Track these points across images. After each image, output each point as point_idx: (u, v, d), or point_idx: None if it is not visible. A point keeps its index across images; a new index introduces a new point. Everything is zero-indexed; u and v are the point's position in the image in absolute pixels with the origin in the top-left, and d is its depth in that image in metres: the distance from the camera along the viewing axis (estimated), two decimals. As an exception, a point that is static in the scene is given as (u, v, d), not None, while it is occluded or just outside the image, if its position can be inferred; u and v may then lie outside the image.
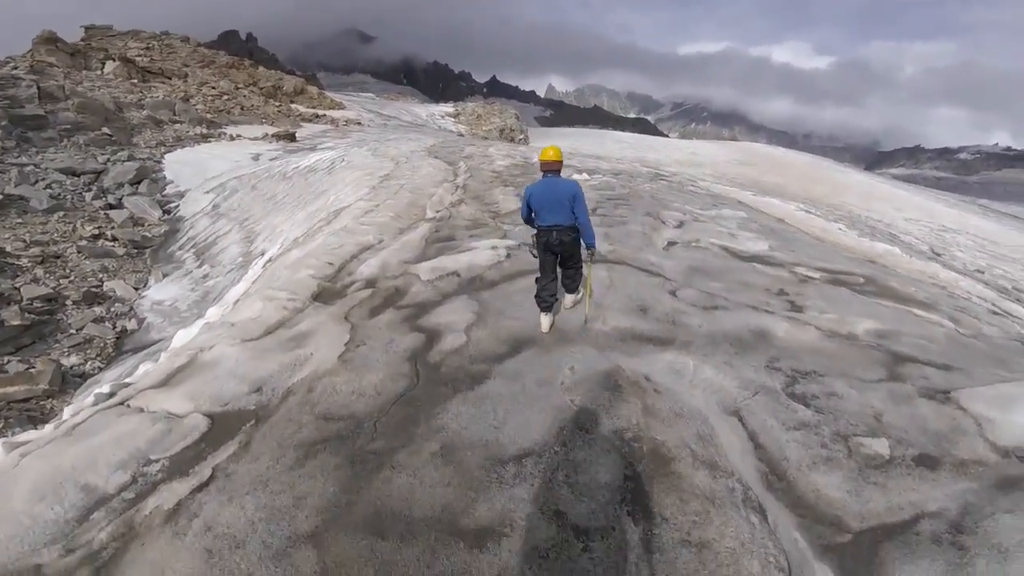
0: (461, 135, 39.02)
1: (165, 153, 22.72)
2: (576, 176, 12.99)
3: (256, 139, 28.03)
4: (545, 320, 4.40)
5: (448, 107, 54.58)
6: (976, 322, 5.62)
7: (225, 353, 4.33)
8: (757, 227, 9.42)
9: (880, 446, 3.06)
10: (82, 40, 37.68)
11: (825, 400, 3.49)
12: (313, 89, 48.12)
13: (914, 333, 4.62)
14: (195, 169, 21.06)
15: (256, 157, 22.91)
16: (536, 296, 4.42)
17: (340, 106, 46.59)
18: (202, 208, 16.84)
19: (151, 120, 26.46)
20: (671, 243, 7.29)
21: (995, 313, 7.45)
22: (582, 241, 4.31)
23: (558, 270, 4.48)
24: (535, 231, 4.34)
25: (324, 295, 5.74)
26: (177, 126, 27.16)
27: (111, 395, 4.02)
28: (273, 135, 28.32)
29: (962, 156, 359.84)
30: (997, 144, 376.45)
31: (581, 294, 4.69)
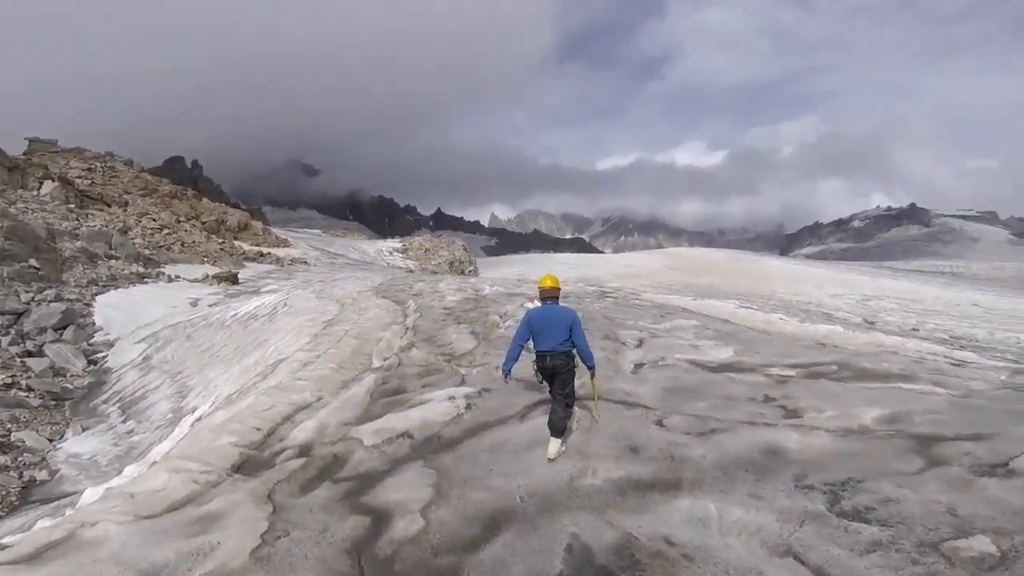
0: (411, 271, 39.67)
1: (96, 294, 21.40)
2: (528, 304, 13.08)
3: (196, 281, 27.13)
4: (553, 446, 4.40)
5: (395, 242, 56.22)
6: (959, 381, 5.77)
7: (111, 532, 3.61)
8: (713, 333, 9.67)
9: (982, 544, 2.68)
10: (24, 154, 36.09)
11: (884, 509, 3.11)
12: (258, 225, 48.03)
13: (919, 409, 4.51)
14: (128, 315, 19.91)
15: (195, 302, 22.00)
16: (549, 422, 4.56)
17: (285, 243, 46.70)
18: (132, 359, 15.66)
19: (85, 253, 25.02)
20: (638, 365, 7.23)
21: (955, 365, 7.73)
22: (582, 364, 4.60)
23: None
24: (536, 356, 4.57)
25: (247, 466, 5.08)
26: (112, 262, 25.84)
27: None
28: (214, 276, 27.49)
29: (855, 224, 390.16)
30: (878, 206, 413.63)
31: (563, 445, 4.50)
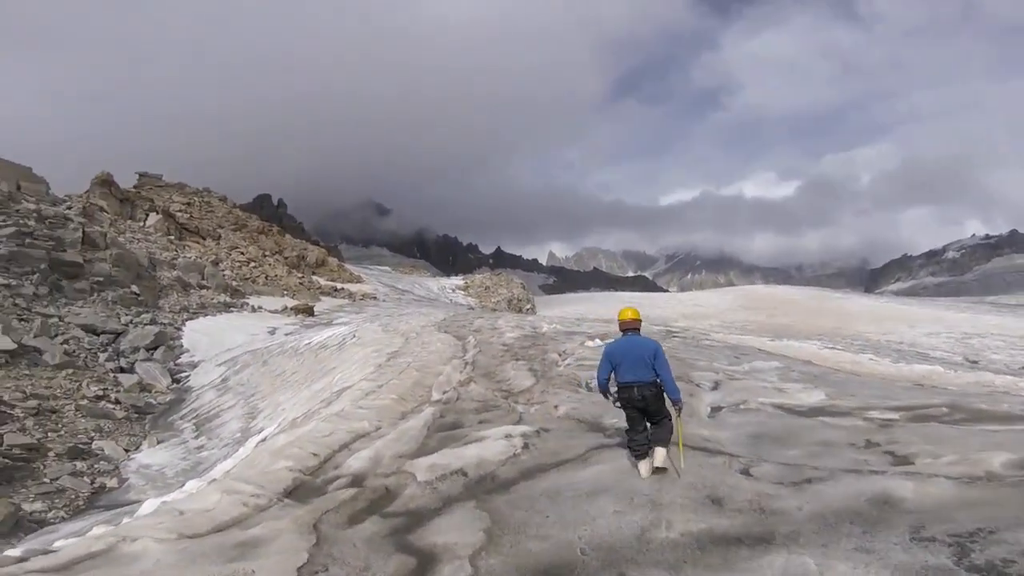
0: (471, 308, 40.19)
1: (187, 320, 22.93)
2: (589, 343, 12.76)
3: (276, 312, 28.68)
4: (644, 466, 4.39)
5: (458, 280, 57.64)
6: None
7: (149, 549, 3.62)
8: (798, 375, 8.94)
9: None
10: (134, 187, 39.61)
11: (1024, 562, 2.55)
12: (334, 261, 50.55)
13: None
14: (212, 340, 21.39)
15: (273, 331, 23.29)
16: (628, 446, 4.60)
17: (358, 279, 48.80)
18: (211, 380, 16.72)
19: (179, 282, 27.09)
20: (715, 408, 6.69)
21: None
22: (667, 397, 4.42)
23: (646, 424, 4.50)
24: (615, 389, 4.51)
25: (299, 491, 5.05)
26: (203, 292, 27.72)
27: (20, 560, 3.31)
28: (292, 308, 29.08)
29: (949, 255, 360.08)
30: (974, 235, 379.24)
31: (669, 450, 4.45)
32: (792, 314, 41.01)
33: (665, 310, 44.76)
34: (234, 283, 31.63)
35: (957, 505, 3.37)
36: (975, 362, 20.82)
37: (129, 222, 33.63)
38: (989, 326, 35.61)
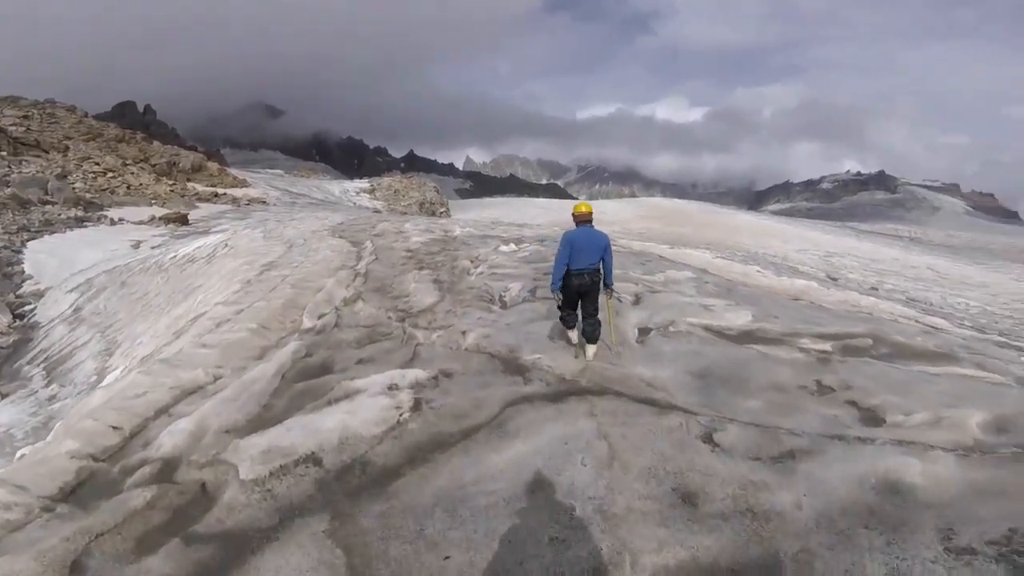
0: (378, 211, 36.87)
1: (28, 240, 19.14)
2: (504, 247, 11.15)
3: (141, 223, 24.43)
4: (574, 333, 4.81)
5: (363, 183, 52.53)
6: (998, 363, 5.09)
7: None
8: (714, 288, 8.11)
9: None
10: None
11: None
12: (213, 165, 44.34)
13: (1006, 409, 3.56)
14: (62, 261, 17.65)
15: (136, 244, 19.43)
16: (562, 322, 4.83)
17: (244, 184, 43.08)
18: (62, 311, 13.46)
19: (15, 200, 22.28)
20: (643, 330, 5.49)
21: (928, 332, 7.13)
22: (603, 283, 4.72)
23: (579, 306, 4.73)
24: (566, 273, 4.58)
25: (84, 491, 3.26)
26: (47, 208, 23.32)
27: None
28: (161, 218, 24.73)
29: (824, 186, 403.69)
30: (849, 171, 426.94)
31: (604, 331, 4.75)
32: (686, 225, 43.83)
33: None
34: (88, 196, 26.51)
35: (972, 495, 2.72)
36: (835, 279, 22.74)
37: (-61, 144, 26.72)
38: (847, 248, 40.37)
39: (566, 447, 3.09)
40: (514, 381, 4.07)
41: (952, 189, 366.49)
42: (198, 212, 28.69)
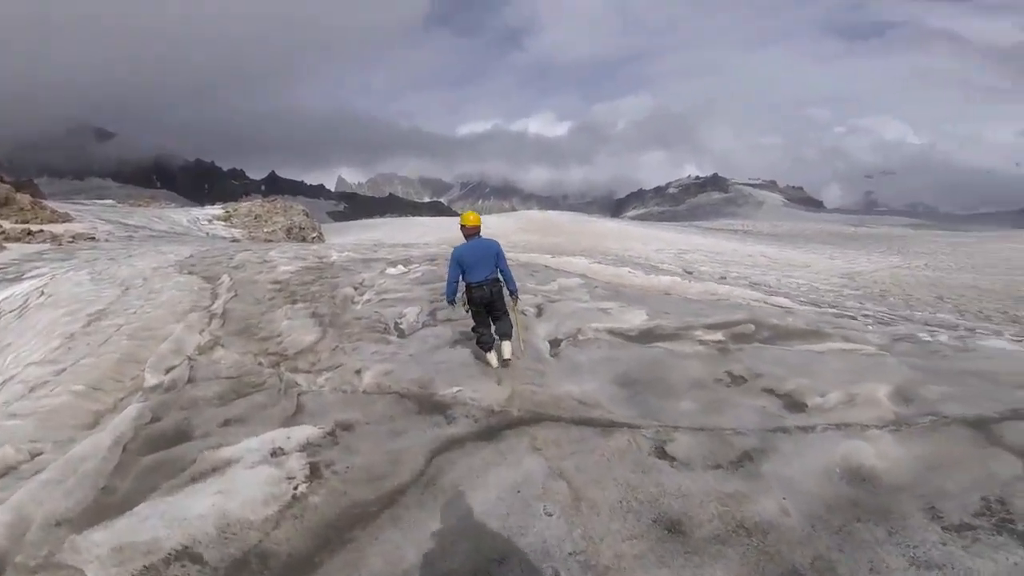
0: (236, 240, 33.38)
1: None
2: (391, 270, 10.52)
3: None
4: (493, 356, 4.57)
5: (216, 209, 47.08)
6: (858, 334, 5.58)
7: None
8: (603, 292, 8.40)
9: None
10: None
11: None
12: (24, 198, 36.90)
13: (907, 380, 3.88)
14: None
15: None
16: (479, 342, 4.62)
17: (66, 218, 36.43)
18: None
19: None
20: (554, 342, 5.40)
21: (790, 312, 7.93)
22: (506, 291, 4.64)
23: (490, 320, 4.61)
24: (464, 290, 4.52)
25: None
26: None
27: None
28: (-51, 264, 19.78)
29: (670, 191, 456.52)
30: (689, 175, 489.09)
31: (515, 339, 4.72)
32: (560, 235, 47.46)
33: (459, 232, 45.54)
34: None
35: (926, 470, 2.83)
36: (691, 272, 26.00)
37: None
38: (695, 244, 46.73)
39: (520, 496, 2.67)
40: (435, 423, 3.53)
41: (771, 185, 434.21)
42: (7, 255, 23.57)
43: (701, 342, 5.35)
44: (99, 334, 7.37)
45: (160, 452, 3.36)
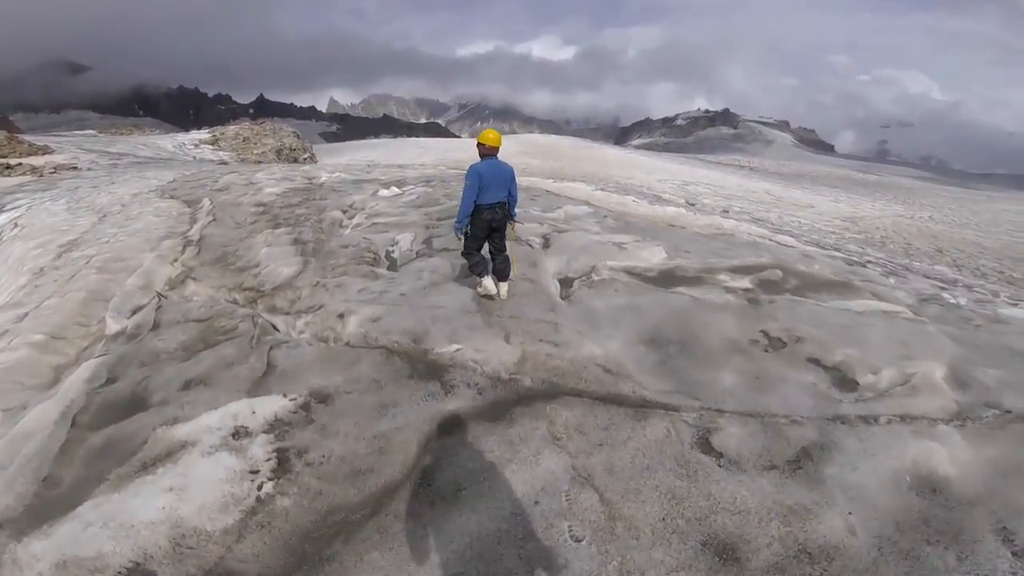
0: (224, 163, 31.81)
1: None
2: (384, 192, 9.58)
3: None
4: (489, 281, 4.25)
5: (203, 133, 44.72)
6: (887, 291, 5.10)
7: None
8: (614, 223, 7.57)
9: None
10: None
11: None
12: (1, 134, 35.30)
13: (959, 356, 3.35)
14: None
15: None
16: (473, 267, 4.29)
17: (46, 150, 34.77)
18: None
19: None
20: (565, 282, 4.69)
21: (809, 257, 7.15)
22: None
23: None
24: (475, 208, 4.14)
25: None
26: None
27: None
28: (-75, 200, 18.86)
29: (678, 122, 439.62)
30: (699, 108, 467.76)
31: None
32: (562, 159, 45.32)
33: (459, 154, 43.32)
34: None
35: (997, 478, 2.32)
36: (693, 204, 24.95)
37: None
38: (699, 177, 44.55)
39: (540, 511, 2.09)
40: (430, 393, 2.85)
41: (783, 125, 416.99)
42: (-19, 186, 22.46)
43: (728, 289, 4.71)
44: (68, 267, 6.64)
45: (111, 427, 2.75)
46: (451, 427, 2.57)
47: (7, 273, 8.06)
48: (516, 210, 4.46)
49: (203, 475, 2.24)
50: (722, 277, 5.00)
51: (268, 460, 2.32)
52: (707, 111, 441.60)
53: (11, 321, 5.24)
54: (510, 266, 4.36)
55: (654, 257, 5.44)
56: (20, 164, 30.38)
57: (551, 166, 39.75)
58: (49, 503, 2.33)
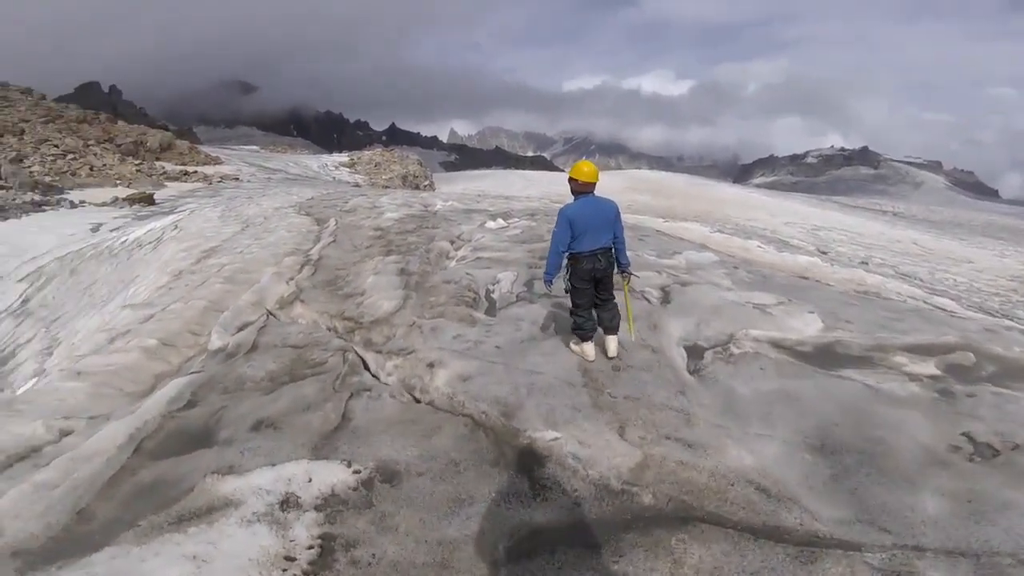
0: (358, 185, 34.66)
1: None
2: (491, 223, 9.41)
3: (104, 205, 22.44)
4: (590, 347, 3.54)
5: (343, 156, 49.85)
6: None
7: None
8: (748, 276, 6.45)
9: None
10: None
11: None
12: (183, 144, 41.82)
13: None
14: (12, 248, 15.64)
15: (96, 228, 17.41)
16: (578, 329, 3.56)
17: (216, 161, 40.64)
18: (9, 304, 11.68)
19: None
20: (695, 351, 3.83)
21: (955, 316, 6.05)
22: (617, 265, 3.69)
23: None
24: (569, 260, 3.51)
25: None
26: (0, 192, 21.05)
27: None
28: (125, 199, 22.64)
29: (808, 160, 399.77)
30: (833, 146, 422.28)
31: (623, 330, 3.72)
32: (673, 197, 42.49)
33: (562, 187, 43.25)
34: (47, 179, 24.17)
35: None
36: (825, 252, 21.76)
37: None
38: (833, 221, 38.87)
39: None
40: (515, 492, 2.25)
41: (934, 166, 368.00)
42: (166, 192, 26.47)
43: (911, 376, 3.62)
44: (201, 273, 7.13)
45: (170, 459, 2.52)
46: (534, 546, 1.94)
47: (154, 272, 8.94)
48: (627, 254, 3.70)
49: (234, 549, 1.86)
50: (899, 359, 3.91)
51: (310, 548, 1.87)
52: (843, 149, 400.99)
53: (138, 321, 5.57)
54: (619, 316, 3.62)
55: (807, 327, 4.36)
56: (196, 172, 35.54)
57: (661, 204, 37.89)
58: (71, 541, 2.09)
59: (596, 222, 3.44)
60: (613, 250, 3.57)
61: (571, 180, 3.55)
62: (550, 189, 39.26)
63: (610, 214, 3.53)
